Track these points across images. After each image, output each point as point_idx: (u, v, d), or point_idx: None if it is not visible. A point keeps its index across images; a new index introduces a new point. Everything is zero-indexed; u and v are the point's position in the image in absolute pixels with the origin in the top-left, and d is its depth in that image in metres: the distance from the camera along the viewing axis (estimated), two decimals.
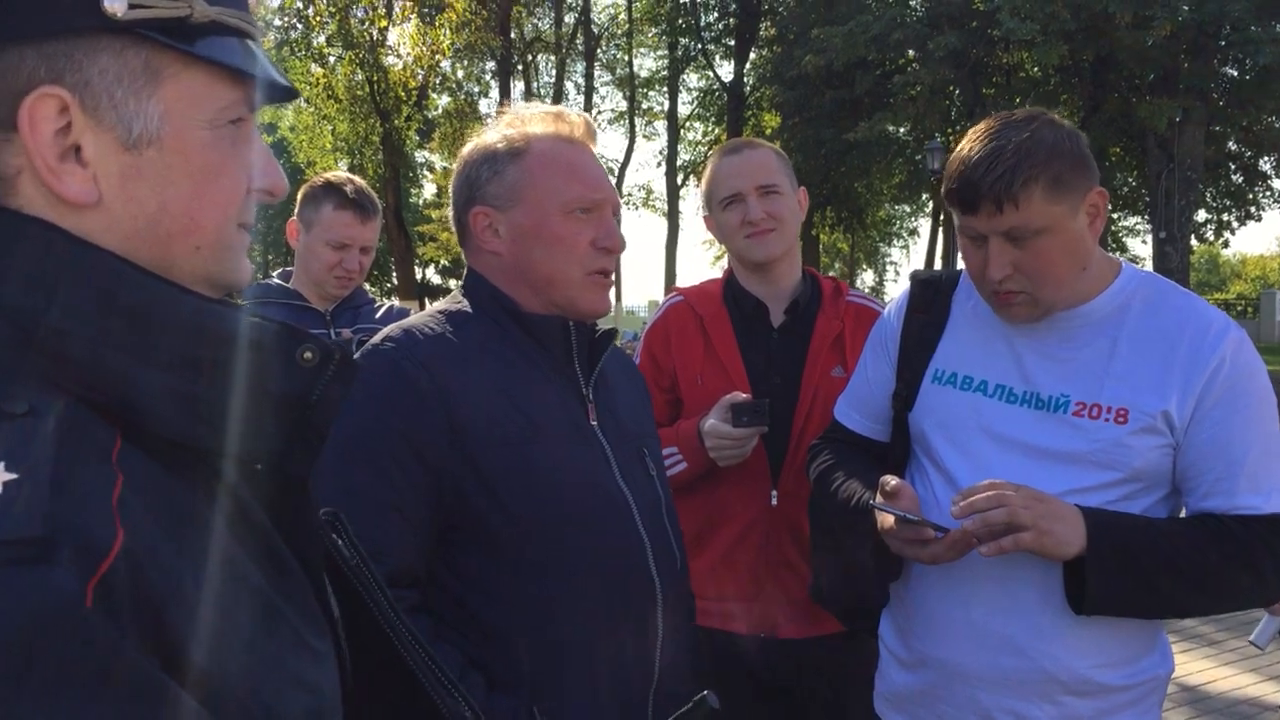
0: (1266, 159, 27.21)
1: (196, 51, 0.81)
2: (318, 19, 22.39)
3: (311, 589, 0.90)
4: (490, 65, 32.78)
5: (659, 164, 43.41)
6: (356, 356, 1.59)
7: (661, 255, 38.92)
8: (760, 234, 2.49)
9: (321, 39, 23.84)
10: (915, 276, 2.13)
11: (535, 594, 1.61)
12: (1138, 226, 34.16)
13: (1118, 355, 1.82)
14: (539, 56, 34.88)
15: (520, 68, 33.65)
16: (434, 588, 1.63)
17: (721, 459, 2.37)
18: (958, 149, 1.83)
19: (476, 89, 35.07)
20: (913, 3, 23.43)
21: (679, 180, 38.03)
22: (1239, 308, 42.16)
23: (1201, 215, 27.98)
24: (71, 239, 0.77)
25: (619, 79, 38.36)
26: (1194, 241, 27.83)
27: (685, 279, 42.75)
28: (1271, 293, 36.94)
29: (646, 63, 39.40)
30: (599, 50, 36.11)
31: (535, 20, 34.48)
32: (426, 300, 30.55)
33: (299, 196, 3.03)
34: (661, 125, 39.16)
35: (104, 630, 0.64)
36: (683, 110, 38.32)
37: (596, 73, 36.41)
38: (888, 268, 50.74)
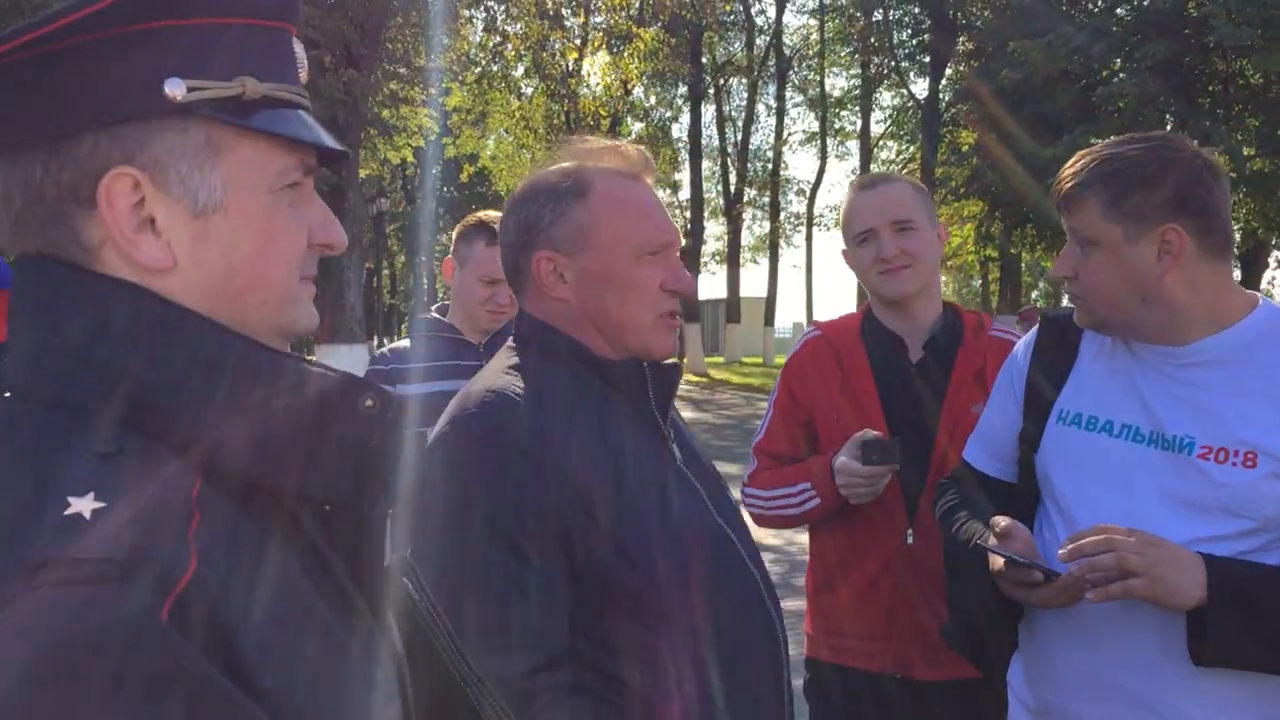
0: None
1: (252, 125, 0.89)
2: (514, 53, 23.27)
3: (378, 627, 0.96)
4: (681, 90, 33.21)
5: None
6: (447, 424, 1.62)
7: (852, 276, 38.15)
8: (894, 271, 2.47)
9: (519, 71, 24.81)
10: (1044, 314, 2.09)
11: (690, 656, 1.55)
12: None
13: (1247, 393, 1.72)
14: (730, 80, 35.01)
15: (711, 92, 33.89)
16: (576, 661, 1.53)
17: (853, 496, 2.37)
18: None
19: (668, 114, 35.62)
20: (1119, 11, 22.24)
21: None
22: None
23: None
24: (158, 299, 0.86)
25: (810, 99, 38.04)
26: None
27: None
28: None
29: (839, 82, 38.95)
30: (791, 71, 35.95)
31: (727, 44, 34.68)
32: None
33: (454, 235, 3.16)
34: (854, 145, 38.56)
35: (180, 641, 0.71)
36: (875, 129, 37.72)
37: (788, 94, 36.25)
38: None
